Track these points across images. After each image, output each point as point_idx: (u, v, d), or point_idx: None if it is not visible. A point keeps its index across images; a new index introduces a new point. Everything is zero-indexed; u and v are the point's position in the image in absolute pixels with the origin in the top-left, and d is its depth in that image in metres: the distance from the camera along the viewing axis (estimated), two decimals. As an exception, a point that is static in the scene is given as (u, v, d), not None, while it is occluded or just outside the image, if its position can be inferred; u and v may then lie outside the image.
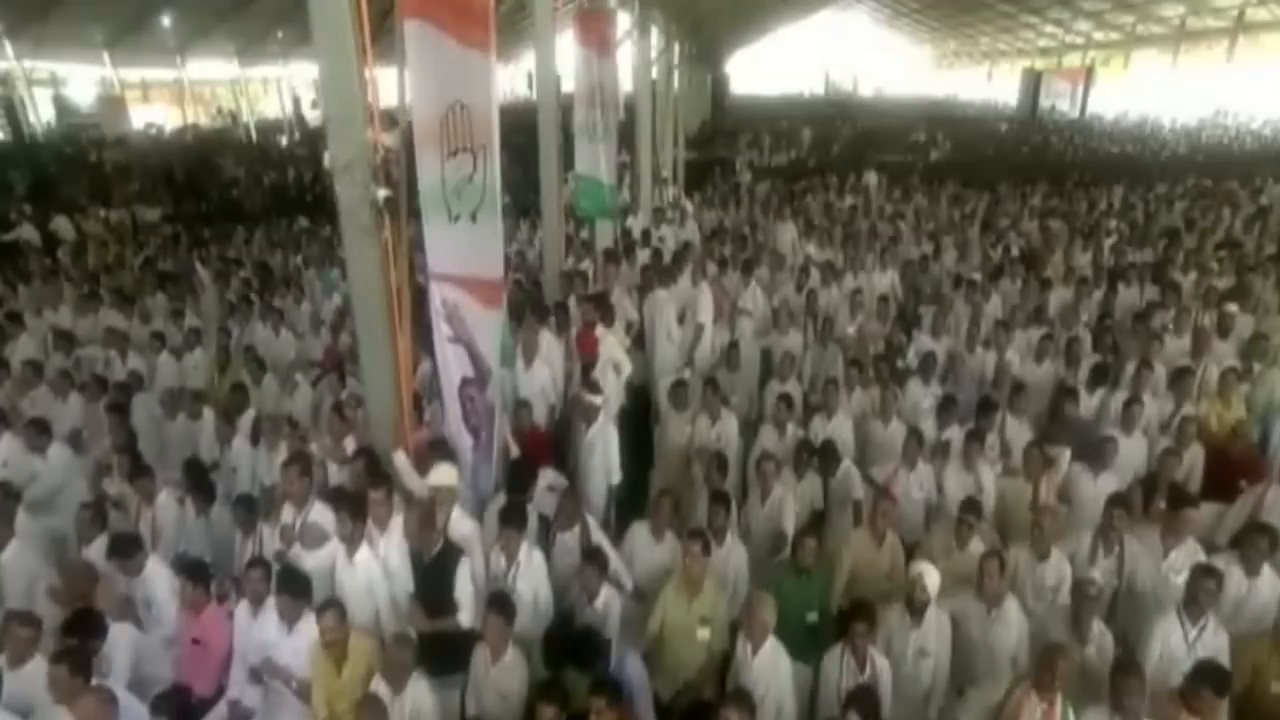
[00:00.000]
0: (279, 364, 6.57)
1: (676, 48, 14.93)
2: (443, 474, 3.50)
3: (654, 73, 12.55)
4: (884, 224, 11.08)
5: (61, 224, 12.53)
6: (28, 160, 17.50)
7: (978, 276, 7.89)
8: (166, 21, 24.66)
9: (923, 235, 10.21)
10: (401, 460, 3.63)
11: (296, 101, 32.16)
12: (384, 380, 3.63)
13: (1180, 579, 3.52)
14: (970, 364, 6.22)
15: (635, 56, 11.04)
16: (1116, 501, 3.93)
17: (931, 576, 3.42)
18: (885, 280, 8.27)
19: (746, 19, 23.17)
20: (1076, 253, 9.33)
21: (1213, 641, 3.37)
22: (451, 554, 3.31)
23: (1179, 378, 5.51)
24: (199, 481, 4.55)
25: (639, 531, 4.03)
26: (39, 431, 5.11)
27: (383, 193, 3.16)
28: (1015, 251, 9.41)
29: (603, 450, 4.48)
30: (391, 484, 3.52)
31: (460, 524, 3.50)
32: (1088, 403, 5.62)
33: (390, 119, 3.35)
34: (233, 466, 5.21)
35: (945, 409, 5.25)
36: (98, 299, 8.21)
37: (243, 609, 3.56)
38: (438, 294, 3.52)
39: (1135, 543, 3.95)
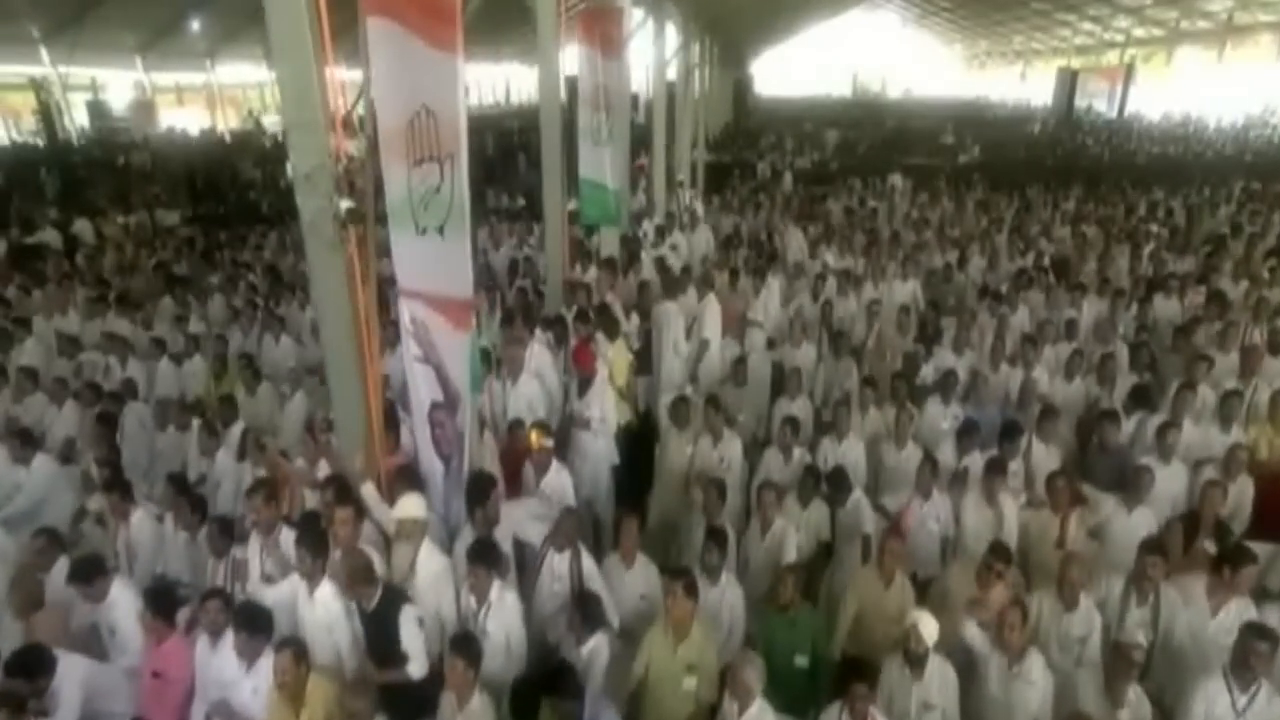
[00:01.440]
0: (278, 372, 6.44)
1: (696, 48, 14.60)
2: (409, 506, 3.27)
3: (672, 73, 12.29)
4: (907, 230, 10.66)
5: (83, 227, 12.65)
6: (59, 163, 17.84)
7: (1004, 287, 7.44)
8: (196, 26, 25.13)
9: (947, 242, 9.76)
10: (370, 492, 3.41)
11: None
12: (353, 403, 3.41)
13: (1231, 639, 3.13)
14: (994, 382, 5.82)
15: (651, 56, 10.79)
16: (1151, 548, 3.53)
17: (929, 625, 3.10)
18: (906, 290, 7.89)
19: (770, 18, 22.72)
20: (1112, 261, 8.82)
21: (1267, 711, 2.99)
22: (393, 601, 3.06)
23: (1225, 400, 5.07)
24: (185, 496, 4.34)
25: (610, 561, 3.76)
26: (24, 442, 5.00)
27: (345, 204, 2.94)
28: (1045, 259, 8.93)
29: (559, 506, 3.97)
30: (359, 506, 3.29)
31: (430, 560, 3.26)
32: (1123, 427, 5.20)
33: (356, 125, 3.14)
34: (216, 482, 5.06)
35: (965, 434, 4.87)
36: (105, 303, 8.18)
37: (203, 642, 3.37)
38: (406, 311, 3.30)
39: (1173, 592, 3.56)
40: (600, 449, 5.06)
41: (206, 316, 8.20)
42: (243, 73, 29.61)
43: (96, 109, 23.28)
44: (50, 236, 12.13)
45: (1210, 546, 3.98)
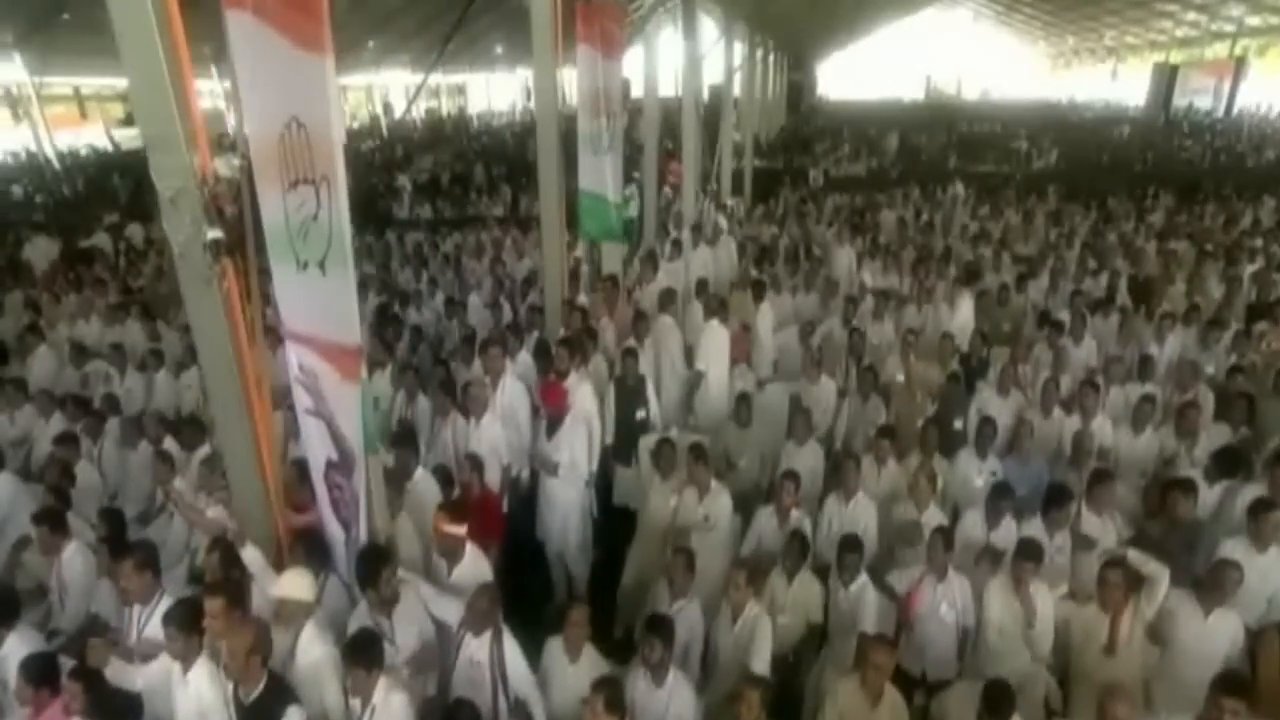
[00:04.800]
0: (275, 386, 6.16)
1: (739, 46, 13.86)
2: (291, 584, 2.81)
3: (716, 75, 11.66)
4: (964, 245, 9.63)
5: (134, 231, 13.07)
6: (131, 169, 18.73)
7: (1066, 316, 6.44)
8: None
9: (1009, 259, 8.71)
10: (254, 558, 2.97)
11: (387, 107, 34.07)
12: (244, 455, 2.98)
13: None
14: (1043, 432, 4.92)
15: (684, 55, 10.19)
16: (1230, 686, 2.69)
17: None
18: (958, 315, 6.95)
19: (829, 16, 21.64)
20: (1205, 282, 7.60)
21: None
22: (280, 698, 2.59)
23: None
24: (106, 540, 4.04)
25: (553, 648, 3.19)
26: (-10, 457, 4.88)
27: (213, 234, 2.50)
28: (1122, 280, 7.80)
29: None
30: (233, 593, 2.83)
31: (311, 648, 2.77)
32: (1204, 497, 4.22)
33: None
34: (170, 512, 4.79)
35: (997, 501, 4.05)
36: (126, 311, 8.20)
37: (76, 720, 3.00)
38: (295, 357, 2.85)
39: (1259, 746, 2.72)
40: (571, 497, 4.53)
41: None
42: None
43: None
44: (102, 240, 12.56)
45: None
